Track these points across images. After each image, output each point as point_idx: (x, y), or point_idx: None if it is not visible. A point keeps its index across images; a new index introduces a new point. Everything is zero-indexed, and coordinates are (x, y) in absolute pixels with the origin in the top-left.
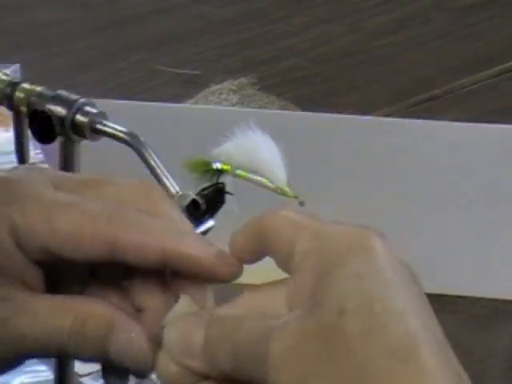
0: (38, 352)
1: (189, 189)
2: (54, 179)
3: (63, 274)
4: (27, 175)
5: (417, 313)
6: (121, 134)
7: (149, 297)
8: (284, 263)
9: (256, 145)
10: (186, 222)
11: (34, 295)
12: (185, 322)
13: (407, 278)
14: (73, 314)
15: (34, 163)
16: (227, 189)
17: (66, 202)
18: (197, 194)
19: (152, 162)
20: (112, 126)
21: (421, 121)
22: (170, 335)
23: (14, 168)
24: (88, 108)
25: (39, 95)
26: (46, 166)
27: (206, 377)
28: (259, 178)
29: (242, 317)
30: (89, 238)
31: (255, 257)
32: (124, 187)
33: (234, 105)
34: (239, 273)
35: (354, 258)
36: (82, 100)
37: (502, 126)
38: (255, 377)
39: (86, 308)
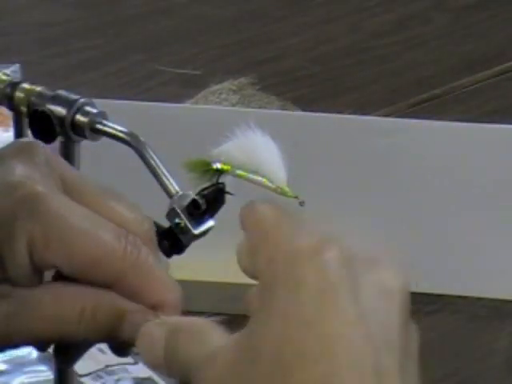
0: (43, 341)
1: (189, 189)
2: (65, 180)
3: None
4: (40, 180)
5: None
6: (121, 134)
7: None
8: None
9: (256, 145)
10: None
11: (38, 287)
12: (149, 327)
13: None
14: (81, 303)
15: (30, 140)
16: (227, 189)
17: (85, 229)
18: (197, 194)
19: (152, 162)
20: (112, 126)
21: (421, 121)
22: (140, 343)
23: (12, 143)
24: (88, 108)
25: (39, 95)
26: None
27: None
28: (259, 178)
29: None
30: (100, 271)
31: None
32: (130, 218)
33: (233, 105)
34: None
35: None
36: (82, 100)
37: (502, 126)
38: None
39: (93, 296)
